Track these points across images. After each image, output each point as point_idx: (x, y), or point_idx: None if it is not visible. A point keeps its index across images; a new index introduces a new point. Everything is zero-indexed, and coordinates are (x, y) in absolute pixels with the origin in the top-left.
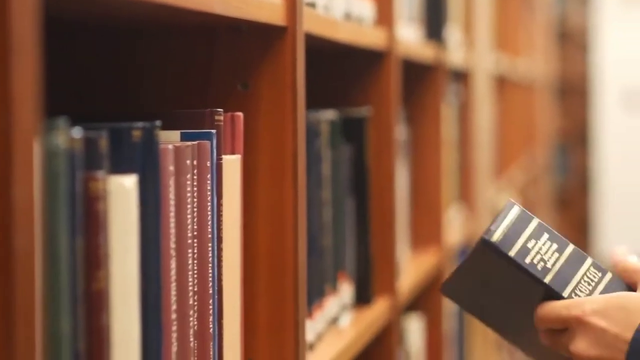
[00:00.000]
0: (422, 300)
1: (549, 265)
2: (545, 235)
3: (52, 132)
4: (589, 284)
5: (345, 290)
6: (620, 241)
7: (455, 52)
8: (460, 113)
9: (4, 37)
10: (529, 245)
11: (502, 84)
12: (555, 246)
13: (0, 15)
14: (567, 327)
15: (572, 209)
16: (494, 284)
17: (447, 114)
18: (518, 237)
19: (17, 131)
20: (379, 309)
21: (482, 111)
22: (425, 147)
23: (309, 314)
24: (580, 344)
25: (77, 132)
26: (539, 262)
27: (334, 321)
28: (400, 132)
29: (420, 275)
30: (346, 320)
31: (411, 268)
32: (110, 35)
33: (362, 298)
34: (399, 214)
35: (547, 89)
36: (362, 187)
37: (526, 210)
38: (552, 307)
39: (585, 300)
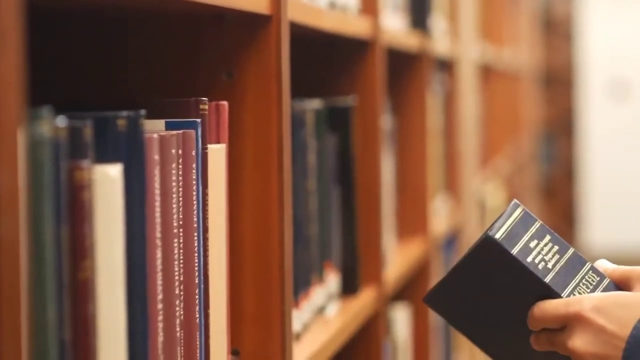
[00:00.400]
0: (409, 290)
1: (549, 265)
2: (548, 237)
3: (37, 121)
4: (588, 287)
5: (332, 280)
6: (605, 230)
7: (440, 41)
8: (446, 102)
9: None
10: (531, 245)
11: (487, 73)
12: (556, 248)
13: None
14: (564, 326)
15: (557, 198)
16: (487, 289)
17: (432, 103)
18: (521, 236)
19: (1, 120)
20: (366, 298)
21: (467, 100)
22: (411, 137)
23: (295, 303)
24: (578, 341)
25: (61, 121)
26: (540, 262)
27: (321, 311)
28: (386, 121)
29: (406, 265)
30: (333, 310)
31: (397, 258)
32: (94, 24)
33: (349, 288)
34: (384, 203)
35: (533, 78)
36: (348, 177)
37: (530, 212)
38: (551, 305)
39: (584, 297)
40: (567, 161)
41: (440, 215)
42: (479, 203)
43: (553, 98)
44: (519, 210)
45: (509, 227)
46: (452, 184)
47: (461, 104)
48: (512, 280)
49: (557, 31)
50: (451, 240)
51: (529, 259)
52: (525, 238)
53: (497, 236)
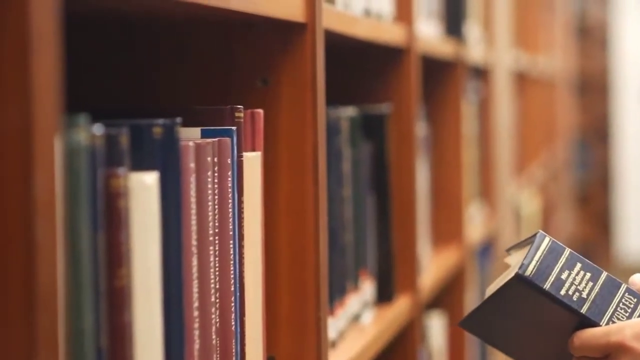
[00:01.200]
0: (444, 298)
1: (584, 295)
2: (578, 265)
3: (73, 128)
4: (625, 311)
5: (367, 288)
6: None
7: (474, 49)
8: (480, 110)
9: (23, 32)
10: (563, 276)
11: (522, 80)
12: (588, 275)
13: (19, 10)
14: (606, 355)
15: (592, 205)
16: (522, 317)
17: (467, 110)
18: (551, 269)
19: (37, 128)
20: (401, 306)
21: (502, 108)
22: (446, 144)
23: (331, 311)
24: None
25: (97, 129)
26: (574, 293)
27: (356, 318)
28: (421, 128)
29: (441, 272)
30: (368, 317)
31: (432, 265)
32: (129, 31)
33: (384, 295)
34: (419, 211)
35: (567, 85)
36: (383, 184)
37: (556, 241)
38: (591, 335)
39: (625, 325)
40: (602, 167)
41: (475, 223)
42: (514, 210)
43: (587, 104)
44: (546, 241)
45: (538, 260)
46: (487, 192)
47: (496, 111)
48: (548, 312)
49: (592, 38)
50: (486, 247)
51: (563, 292)
52: (556, 270)
53: (528, 273)
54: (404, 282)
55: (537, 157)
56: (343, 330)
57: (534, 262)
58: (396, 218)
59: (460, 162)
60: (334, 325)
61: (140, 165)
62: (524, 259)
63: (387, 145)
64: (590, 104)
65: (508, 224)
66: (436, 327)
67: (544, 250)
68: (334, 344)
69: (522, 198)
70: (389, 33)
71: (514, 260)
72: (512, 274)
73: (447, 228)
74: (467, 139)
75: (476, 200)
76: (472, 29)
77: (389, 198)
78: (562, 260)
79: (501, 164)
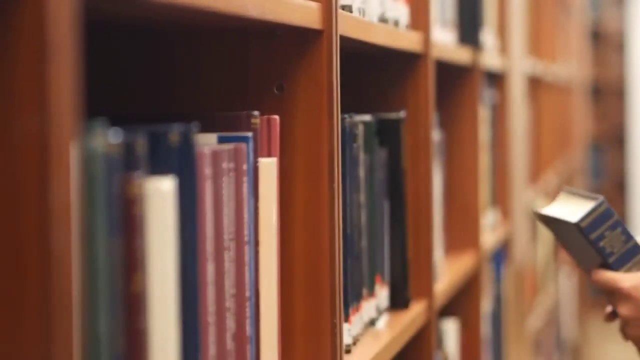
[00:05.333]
0: (459, 304)
1: (615, 250)
2: (619, 229)
3: (90, 135)
4: (638, 269)
5: (382, 294)
6: None
7: (490, 55)
8: (495, 116)
9: (41, 39)
10: (605, 234)
11: (537, 86)
12: (623, 237)
13: (37, 17)
14: (612, 293)
15: None
16: (573, 239)
17: (482, 116)
18: (599, 226)
19: (54, 134)
20: (416, 312)
21: (517, 114)
22: (461, 150)
23: (346, 317)
24: (622, 309)
25: (114, 135)
26: (609, 247)
27: (371, 324)
28: (436, 135)
29: (456, 278)
30: (383, 323)
31: (447, 271)
32: (146, 38)
33: (399, 301)
34: (434, 217)
35: (582, 91)
36: (398, 190)
37: (611, 208)
38: (603, 276)
39: (626, 276)
40: (617, 174)
41: (489, 229)
42: (529, 217)
43: (603, 111)
44: (603, 206)
45: (592, 218)
46: (501, 198)
47: (511, 117)
48: (588, 249)
49: (607, 44)
50: (501, 254)
51: (601, 244)
52: (602, 228)
53: (583, 225)
54: (419, 288)
55: (552, 163)
56: (358, 336)
57: (589, 219)
58: (411, 224)
59: (476, 168)
60: (349, 331)
61: (156, 171)
62: (585, 214)
63: (403, 151)
64: (605, 110)
65: (523, 230)
66: (451, 333)
67: (600, 212)
68: (349, 350)
69: (537, 204)
70: (405, 40)
71: (568, 202)
72: (573, 220)
73: (462, 234)
74: (481, 145)
75: (491, 207)
76: (487, 37)
77: (404, 204)
78: (609, 222)
79: (516, 170)
